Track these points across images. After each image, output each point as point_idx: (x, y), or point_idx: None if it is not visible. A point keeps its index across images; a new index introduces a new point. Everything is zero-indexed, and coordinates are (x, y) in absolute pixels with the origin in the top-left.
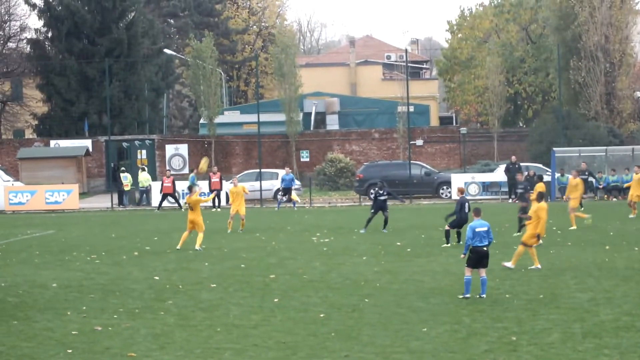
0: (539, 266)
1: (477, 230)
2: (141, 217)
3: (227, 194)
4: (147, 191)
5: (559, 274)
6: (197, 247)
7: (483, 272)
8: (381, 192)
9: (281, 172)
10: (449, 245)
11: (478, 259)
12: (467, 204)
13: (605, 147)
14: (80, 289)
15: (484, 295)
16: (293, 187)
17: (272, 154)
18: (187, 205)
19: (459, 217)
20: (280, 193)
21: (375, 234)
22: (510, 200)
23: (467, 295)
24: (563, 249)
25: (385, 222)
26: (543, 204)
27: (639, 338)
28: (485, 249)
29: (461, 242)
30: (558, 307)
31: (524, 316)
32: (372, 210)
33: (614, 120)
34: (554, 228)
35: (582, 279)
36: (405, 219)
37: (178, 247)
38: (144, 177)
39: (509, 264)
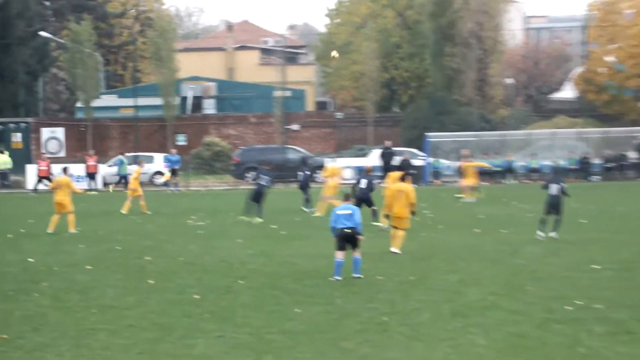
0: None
1: (338, 213)
2: (16, 200)
3: (103, 177)
4: (5, 174)
5: (429, 257)
6: (70, 230)
7: (356, 253)
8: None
9: (157, 156)
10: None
11: (343, 241)
12: (369, 181)
13: (477, 133)
14: None
15: (358, 275)
16: (176, 168)
17: (149, 137)
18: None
19: (360, 195)
20: (159, 176)
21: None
22: (384, 184)
23: (338, 277)
24: (434, 232)
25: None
26: (399, 185)
27: (502, 316)
28: (348, 230)
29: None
30: (428, 288)
31: (396, 297)
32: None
33: (485, 106)
34: (426, 212)
35: (452, 262)
36: (281, 202)
37: (49, 230)
38: (2, 160)
39: (395, 250)
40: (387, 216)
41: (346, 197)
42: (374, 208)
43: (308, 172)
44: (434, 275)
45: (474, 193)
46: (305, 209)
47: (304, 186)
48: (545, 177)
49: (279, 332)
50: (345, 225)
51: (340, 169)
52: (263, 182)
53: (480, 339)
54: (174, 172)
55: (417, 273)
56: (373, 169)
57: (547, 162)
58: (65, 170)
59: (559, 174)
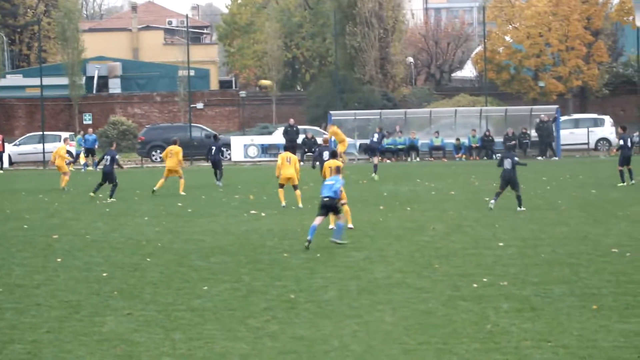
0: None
1: (325, 183)
2: None
3: (9, 156)
4: None
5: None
6: None
7: (337, 219)
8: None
9: (64, 135)
10: None
11: (322, 208)
12: (326, 152)
13: (379, 111)
14: None
15: (336, 240)
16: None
17: (55, 117)
18: None
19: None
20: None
21: (157, 195)
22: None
23: (309, 238)
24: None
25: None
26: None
27: (409, 294)
28: (326, 199)
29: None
30: (335, 265)
31: (302, 275)
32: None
33: (387, 85)
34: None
35: (358, 238)
36: (186, 180)
37: None
38: None
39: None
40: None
41: (337, 170)
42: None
43: (220, 148)
44: (339, 252)
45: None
46: (218, 184)
47: (216, 162)
48: (500, 153)
49: (187, 310)
50: (326, 195)
51: None
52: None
53: (388, 316)
54: (91, 152)
55: (323, 250)
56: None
57: (450, 140)
58: None
59: (510, 148)
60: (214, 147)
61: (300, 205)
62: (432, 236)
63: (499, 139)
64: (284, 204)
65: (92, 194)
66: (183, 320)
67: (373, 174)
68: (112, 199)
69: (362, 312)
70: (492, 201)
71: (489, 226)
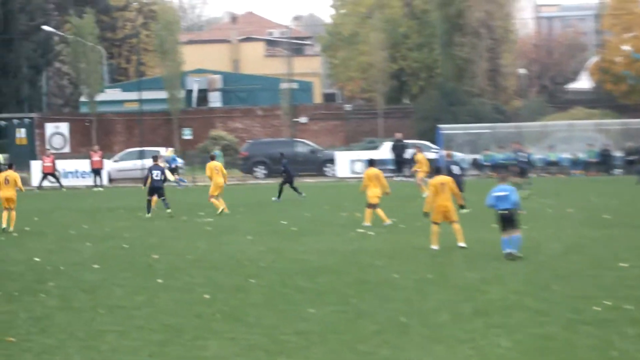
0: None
1: (495, 194)
2: (20, 197)
3: (109, 173)
4: None
5: (447, 253)
6: (5, 226)
7: (515, 232)
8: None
9: (162, 150)
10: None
11: (502, 222)
12: (455, 166)
13: (491, 124)
14: None
15: (515, 251)
16: (173, 166)
17: (154, 132)
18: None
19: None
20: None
21: (260, 212)
22: (396, 178)
23: (507, 251)
24: (449, 227)
25: (280, 192)
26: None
27: (526, 316)
28: (505, 212)
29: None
30: (447, 286)
31: (413, 296)
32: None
33: (498, 97)
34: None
35: (471, 258)
36: (290, 197)
37: (3, 226)
38: None
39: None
40: (425, 214)
41: (503, 178)
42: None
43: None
44: (453, 273)
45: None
46: (300, 194)
47: (290, 179)
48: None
49: (292, 333)
50: (502, 207)
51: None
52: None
53: (504, 340)
54: (173, 171)
55: (435, 270)
56: (452, 154)
57: (566, 155)
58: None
59: None
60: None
61: (388, 221)
62: (549, 256)
63: (618, 154)
64: (368, 223)
65: (148, 214)
66: (288, 344)
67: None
68: (169, 210)
69: (477, 335)
70: None
71: (610, 246)
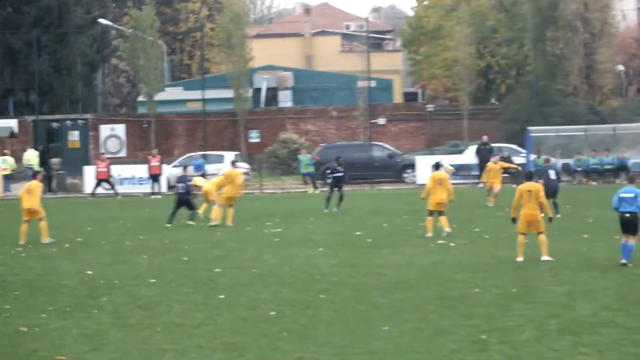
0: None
1: (621, 196)
2: (73, 205)
3: (168, 179)
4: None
5: (533, 266)
6: (43, 240)
7: (631, 239)
8: (337, 167)
9: (227, 155)
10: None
11: (622, 224)
12: (552, 171)
13: (584, 126)
14: (3, 285)
15: (626, 261)
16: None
17: (219, 134)
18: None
19: (547, 186)
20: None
21: (333, 222)
22: (481, 185)
23: (624, 261)
24: (535, 237)
25: (341, 199)
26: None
27: (618, 334)
28: (627, 215)
29: (559, 215)
30: (532, 301)
31: (495, 312)
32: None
33: (594, 97)
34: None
35: (559, 271)
36: (366, 205)
37: (21, 241)
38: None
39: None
40: (513, 220)
41: (631, 180)
42: (556, 201)
43: (342, 171)
44: (538, 287)
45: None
46: (337, 209)
47: (338, 184)
48: None
49: (366, 352)
50: (626, 209)
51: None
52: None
53: None
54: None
55: (519, 284)
56: (550, 159)
57: None
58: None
59: None
60: (336, 172)
61: (448, 229)
62: None
63: None
64: (430, 234)
65: (168, 224)
66: None
67: None
68: (191, 222)
69: (564, 355)
70: None
71: None
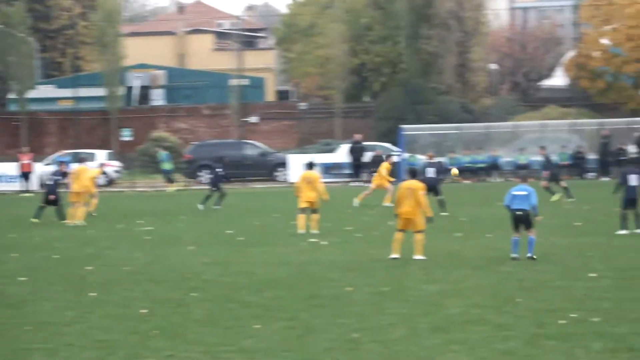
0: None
1: (514, 193)
2: None
3: (39, 177)
4: None
5: (405, 265)
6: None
7: (531, 233)
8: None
9: (100, 153)
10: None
11: (515, 221)
12: (431, 169)
13: (458, 125)
14: None
15: (531, 255)
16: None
17: (91, 132)
18: None
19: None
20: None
21: (204, 221)
22: (353, 184)
23: (513, 256)
24: (410, 236)
25: (222, 197)
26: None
27: (488, 332)
28: (520, 213)
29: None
30: (404, 300)
31: (368, 311)
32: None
33: (467, 95)
34: None
35: (431, 270)
36: (238, 204)
37: None
38: None
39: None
40: (397, 216)
41: (524, 178)
42: (441, 198)
43: (220, 171)
44: (410, 285)
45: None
46: (216, 207)
47: (216, 184)
48: (621, 169)
49: (237, 351)
50: (519, 207)
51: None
52: None
53: (463, 357)
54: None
55: (391, 283)
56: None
57: (537, 158)
58: None
59: (633, 163)
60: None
61: (316, 230)
62: (516, 266)
63: (593, 156)
64: (301, 231)
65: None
66: None
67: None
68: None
69: (434, 352)
70: (623, 231)
71: (580, 255)
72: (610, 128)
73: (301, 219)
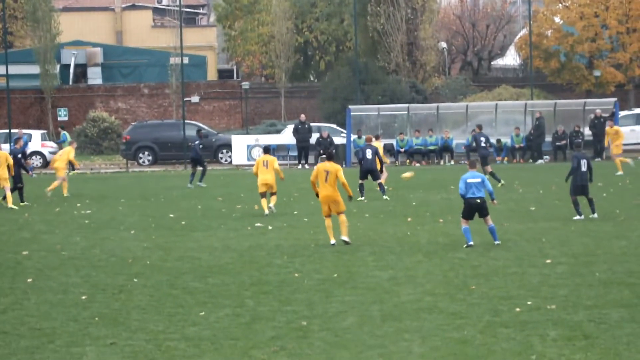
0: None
1: (468, 181)
2: None
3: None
4: None
5: (355, 250)
6: None
7: (489, 221)
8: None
9: (35, 133)
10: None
11: (472, 210)
12: (369, 150)
13: (407, 105)
14: None
15: (498, 242)
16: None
17: (25, 112)
18: None
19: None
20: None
21: (145, 204)
22: (300, 166)
23: (471, 243)
24: (360, 221)
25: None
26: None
27: (441, 320)
28: (478, 201)
29: (386, 197)
30: (354, 287)
31: (316, 298)
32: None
33: (416, 75)
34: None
35: (382, 256)
36: (179, 187)
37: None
38: None
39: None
40: (317, 194)
41: (472, 164)
42: (380, 182)
43: (199, 144)
44: (360, 272)
45: None
46: (200, 184)
47: (197, 159)
48: (573, 153)
49: (181, 339)
50: (476, 195)
51: None
52: None
53: (416, 346)
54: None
55: (340, 269)
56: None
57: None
58: None
59: (578, 146)
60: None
61: (271, 209)
62: (469, 253)
63: (547, 139)
64: (267, 212)
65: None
66: (176, 352)
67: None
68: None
69: (387, 341)
70: (579, 217)
71: (535, 240)
72: (564, 110)
73: (264, 202)
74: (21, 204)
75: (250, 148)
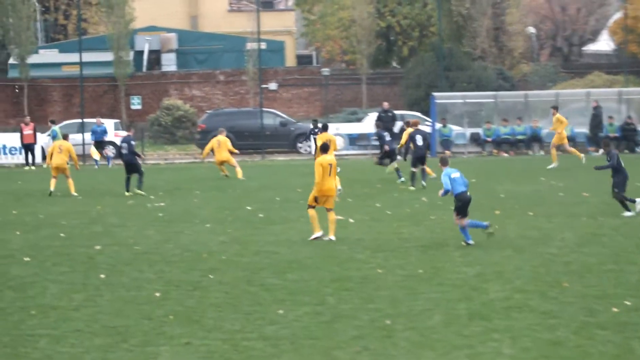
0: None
1: (452, 176)
2: None
3: (42, 148)
4: None
5: (441, 245)
6: None
7: (464, 220)
8: None
9: (109, 122)
10: None
11: (463, 205)
12: (419, 136)
13: (494, 93)
14: None
15: (489, 229)
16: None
17: (98, 100)
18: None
19: (415, 152)
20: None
21: (221, 196)
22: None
23: (470, 242)
24: (446, 214)
25: None
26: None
27: (532, 319)
28: (468, 194)
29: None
30: (440, 284)
31: (400, 295)
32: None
33: (503, 61)
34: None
35: (468, 251)
36: (257, 177)
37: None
38: None
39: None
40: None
41: (444, 162)
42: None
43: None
44: (446, 268)
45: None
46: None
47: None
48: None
49: (259, 338)
50: (464, 190)
51: None
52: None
53: (506, 347)
54: (99, 145)
55: (425, 265)
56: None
57: (581, 130)
58: None
59: None
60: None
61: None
62: (561, 248)
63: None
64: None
65: (126, 193)
66: (253, 352)
67: None
68: (139, 191)
69: (474, 341)
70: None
71: (632, 236)
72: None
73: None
74: (127, 193)
75: None
